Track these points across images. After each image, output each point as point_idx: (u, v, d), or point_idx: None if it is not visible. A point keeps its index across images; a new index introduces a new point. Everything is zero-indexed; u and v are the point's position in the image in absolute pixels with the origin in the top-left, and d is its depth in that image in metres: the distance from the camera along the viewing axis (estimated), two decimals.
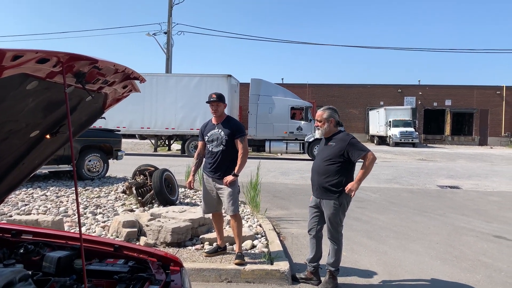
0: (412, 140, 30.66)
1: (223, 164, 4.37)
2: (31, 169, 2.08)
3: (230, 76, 19.02)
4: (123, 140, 12.46)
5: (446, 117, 38.44)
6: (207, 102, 4.42)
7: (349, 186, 3.79)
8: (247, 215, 6.60)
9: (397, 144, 30.69)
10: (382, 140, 33.71)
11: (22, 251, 2.03)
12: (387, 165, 16.25)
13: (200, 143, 4.60)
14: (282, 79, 39.08)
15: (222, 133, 4.37)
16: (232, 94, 19.25)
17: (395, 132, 30.85)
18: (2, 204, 6.37)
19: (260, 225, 5.93)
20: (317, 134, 4.09)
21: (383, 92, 38.40)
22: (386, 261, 4.84)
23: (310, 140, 18.21)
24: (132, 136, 21.27)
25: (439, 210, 7.87)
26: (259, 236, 5.39)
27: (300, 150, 18.82)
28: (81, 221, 5.65)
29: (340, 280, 4.11)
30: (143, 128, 19.51)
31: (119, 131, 11.85)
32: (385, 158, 19.96)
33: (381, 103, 36.99)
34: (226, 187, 4.32)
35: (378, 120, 34.13)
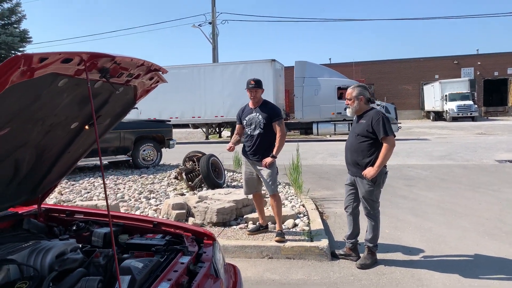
0: (470, 114, 28.99)
1: (261, 147, 4.53)
2: (77, 156, 2.37)
3: (274, 60, 19.05)
4: (177, 130, 13.03)
5: (509, 87, 35.76)
6: (246, 89, 4.59)
7: (366, 171, 3.80)
8: (290, 195, 6.74)
9: (454, 119, 29.17)
10: (439, 116, 32.17)
11: (74, 228, 2.34)
12: (442, 141, 15.59)
13: (238, 126, 4.79)
14: (330, 59, 38.47)
15: (260, 116, 4.52)
16: (277, 79, 19.30)
17: (452, 106, 29.32)
18: (68, 192, 7.01)
19: (303, 205, 6.06)
20: (348, 112, 4.10)
21: (438, 65, 36.45)
22: (430, 238, 4.79)
23: None
24: (185, 125, 22.10)
25: (493, 186, 7.52)
26: (301, 215, 5.53)
27: (349, 130, 18.49)
28: (136, 205, 6.11)
29: (380, 256, 4.15)
30: (194, 117, 20.19)
31: (169, 121, 12.43)
32: (441, 134, 19.11)
33: (436, 76, 35.16)
34: (265, 168, 4.49)
35: (434, 95, 32.54)
